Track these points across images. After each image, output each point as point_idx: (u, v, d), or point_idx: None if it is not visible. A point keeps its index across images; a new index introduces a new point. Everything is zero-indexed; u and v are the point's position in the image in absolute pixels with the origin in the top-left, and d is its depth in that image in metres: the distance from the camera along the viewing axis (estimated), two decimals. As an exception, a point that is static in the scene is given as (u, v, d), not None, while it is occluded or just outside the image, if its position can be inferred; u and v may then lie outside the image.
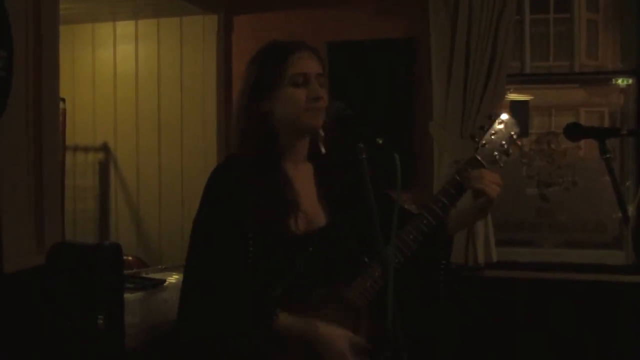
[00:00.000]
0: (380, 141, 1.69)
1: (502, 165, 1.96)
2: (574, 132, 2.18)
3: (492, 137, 1.95)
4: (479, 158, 1.93)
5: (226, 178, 1.87)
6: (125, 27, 4.78)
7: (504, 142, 1.95)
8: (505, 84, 3.89)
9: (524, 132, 4.39)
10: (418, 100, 4.11)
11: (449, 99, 3.86)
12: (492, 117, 1.99)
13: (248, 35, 4.40)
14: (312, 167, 1.99)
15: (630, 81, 4.16)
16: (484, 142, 1.95)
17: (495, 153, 1.95)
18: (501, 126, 1.96)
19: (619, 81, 4.21)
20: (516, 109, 4.24)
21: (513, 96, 4.33)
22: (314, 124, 1.89)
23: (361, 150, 1.68)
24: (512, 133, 1.96)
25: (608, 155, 2.04)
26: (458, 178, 1.91)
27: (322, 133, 1.94)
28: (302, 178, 1.95)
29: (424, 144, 4.04)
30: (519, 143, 1.98)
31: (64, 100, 4.11)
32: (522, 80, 4.31)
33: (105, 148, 4.85)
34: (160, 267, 3.95)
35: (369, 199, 1.64)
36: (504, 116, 1.98)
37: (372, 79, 4.13)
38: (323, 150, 1.95)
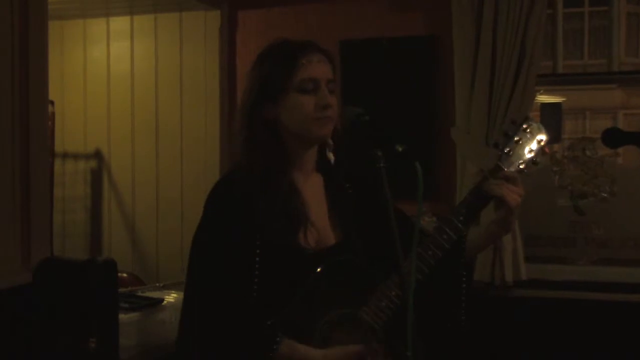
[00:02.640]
0: (400, 148, 1.69)
1: (527, 173, 1.95)
2: (613, 137, 2.17)
3: (517, 144, 1.95)
4: (503, 167, 1.93)
5: (230, 191, 1.89)
6: (120, 23, 4.81)
7: (530, 150, 1.95)
8: (536, 85, 3.88)
9: (556, 138, 4.39)
10: (439, 104, 4.10)
11: (473, 102, 3.85)
12: (517, 122, 1.99)
13: (254, 32, 4.42)
14: (322, 179, 2.01)
15: (675, 81, 4.15)
16: (507, 149, 1.94)
17: (520, 162, 1.94)
18: (527, 132, 1.96)
19: (662, 81, 4.20)
20: (547, 112, 4.24)
21: (544, 98, 4.33)
22: (322, 133, 1.90)
23: (379, 159, 1.68)
24: (540, 139, 1.96)
25: (651, 164, 2.03)
26: (479, 187, 1.91)
27: (331, 142, 1.96)
28: (312, 190, 1.97)
29: (446, 152, 4.04)
30: (547, 150, 1.97)
31: (52, 102, 4.14)
32: (554, 80, 4.32)
33: (97, 155, 4.87)
34: (157, 284, 3.97)
35: (388, 210, 1.65)
36: (530, 121, 1.98)
37: (389, 80, 4.13)
38: (332, 159, 1.97)
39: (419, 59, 4.13)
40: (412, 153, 1.67)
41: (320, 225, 1.93)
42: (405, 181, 1.71)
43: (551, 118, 4.24)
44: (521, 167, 1.94)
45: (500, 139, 1.98)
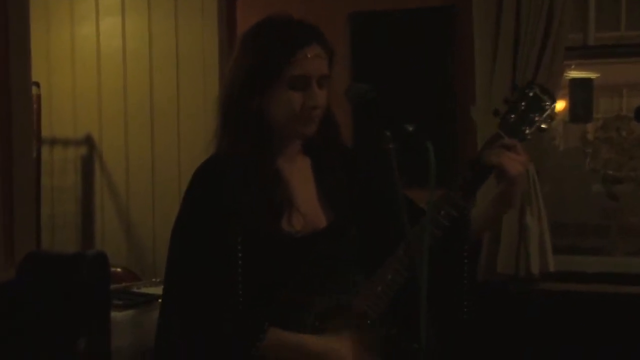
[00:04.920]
0: (411, 128, 1.70)
1: (529, 138, 1.93)
2: (649, 115, 2.16)
3: (520, 109, 1.93)
4: (503, 134, 1.92)
5: (211, 179, 1.94)
6: (110, -3, 4.81)
7: (535, 116, 1.93)
8: (564, 59, 3.87)
9: (587, 117, 4.37)
10: (458, 81, 4.09)
11: (495, 78, 3.84)
12: (519, 87, 1.98)
13: (255, 4, 4.40)
14: (309, 161, 2.05)
15: None
16: (509, 116, 1.93)
17: (524, 127, 1.93)
18: (530, 97, 1.94)
19: None
20: (577, 88, 4.21)
21: (574, 74, 4.30)
22: (306, 132, 1.94)
23: (388, 139, 1.69)
24: (545, 104, 1.94)
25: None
26: (477, 158, 1.90)
27: None
28: (299, 174, 2.01)
29: (465, 132, 4.03)
30: (554, 116, 1.96)
31: (38, 84, 4.15)
32: (584, 54, 4.28)
33: (88, 140, 4.88)
34: (154, 280, 3.98)
35: (396, 192, 1.68)
36: (533, 85, 1.97)
37: (403, 56, 4.13)
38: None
39: (435, 32, 4.11)
40: (425, 133, 1.67)
41: (308, 208, 1.96)
42: (420, 167, 1.71)
43: (581, 95, 4.21)
44: (524, 132, 1.93)
45: (502, 106, 1.97)
